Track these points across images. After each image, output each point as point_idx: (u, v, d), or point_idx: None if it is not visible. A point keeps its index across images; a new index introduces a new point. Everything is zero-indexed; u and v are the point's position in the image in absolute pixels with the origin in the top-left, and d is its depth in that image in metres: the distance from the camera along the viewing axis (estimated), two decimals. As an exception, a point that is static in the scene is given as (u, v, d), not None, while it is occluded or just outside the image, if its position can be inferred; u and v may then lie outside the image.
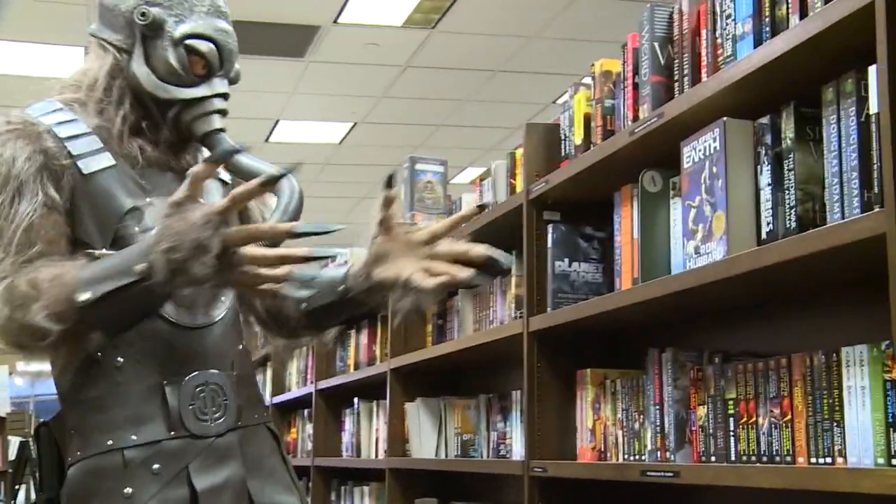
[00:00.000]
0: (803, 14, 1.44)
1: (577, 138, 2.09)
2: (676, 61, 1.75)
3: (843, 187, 1.33)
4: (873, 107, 1.28)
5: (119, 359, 1.34)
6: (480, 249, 1.38)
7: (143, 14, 1.41)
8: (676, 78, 1.75)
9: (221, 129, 1.44)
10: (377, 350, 3.47)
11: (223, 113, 1.46)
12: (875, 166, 1.28)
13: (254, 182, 1.21)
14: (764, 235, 1.49)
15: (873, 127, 1.28)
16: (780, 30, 1.48)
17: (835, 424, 1.40)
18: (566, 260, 2.12)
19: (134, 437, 1.34)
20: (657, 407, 1.80)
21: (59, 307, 1.23)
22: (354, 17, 5.27)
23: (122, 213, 1.37)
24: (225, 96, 1.46)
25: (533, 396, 2.14)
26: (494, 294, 2.58)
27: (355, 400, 3.67)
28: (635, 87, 1.88)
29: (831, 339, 1.50)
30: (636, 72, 1.88)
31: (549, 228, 2.15)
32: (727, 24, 1.61)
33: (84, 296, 1.22)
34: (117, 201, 1.38)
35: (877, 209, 1.24)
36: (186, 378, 1.37)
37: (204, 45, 1.43)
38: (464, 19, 5.19)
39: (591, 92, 2.07)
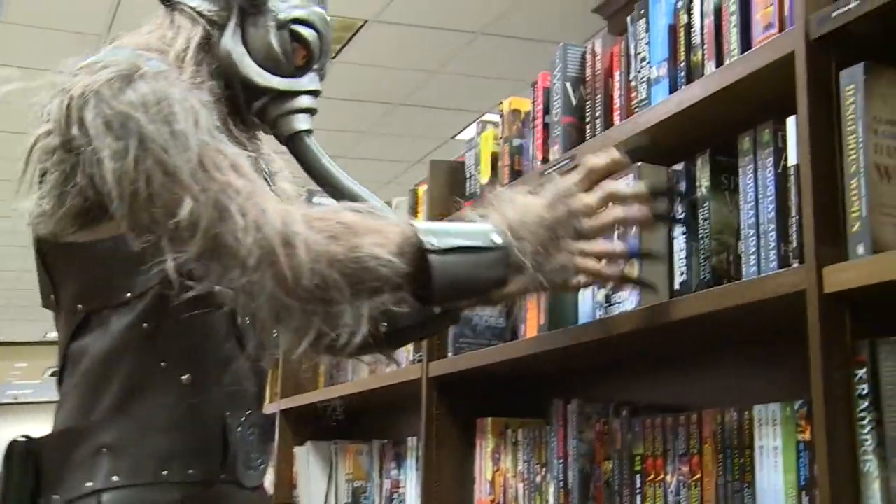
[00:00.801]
0: (719, 61, 1.41)
1: (484, 177, 2.03)
2: (588, 103, 1.70)
3: (760, 239, 1.29)
4: (792, 158, 1.24)
5: (186, 375, 1.15)
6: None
7: None
8: (588, 120, 1.70)
9: (310, 131, 1.31)
10: (266, 390, 3.32)
11: (313, 112, 1.31)
12: (793, 219, 1.24)
13: (614, 153, 1.24)
14: (677, 286, 1.43)
15: (791, 179, 1.25)
16: (696, 76, 1.45)
17: (745, 486, 1.34)
18: (468, 303, 2.04)
19: (191, 472, 1.15)
20: (561, 461, 1.72)
21: (401, 248, 1.06)
22: (253, 43, 5.13)
23: None
24: (317, 94, 1.31)
25: (431, 444, 2.04)
26: (392, 335, 2.47)
27: (241, 441, 3.49)
28: (545, 127, 1.82)
29: (744, 396, 1.46)
30: (546, 111, 1.83)
31: (452, 270, 2.06)
32: (641, 67, 1.57)
33: (431, 241, 1.07)
34: None
35: (795, 264, 1.20)
36: (246, 415, 1.20)
37: (310, 33, 1.28)
38: (364, 52, 5.11)
39: (499, 130, 2.00)
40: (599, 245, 1.25)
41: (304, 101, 1.29)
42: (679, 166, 1.47)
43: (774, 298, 1.19)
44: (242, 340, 1.22)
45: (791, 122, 1.24)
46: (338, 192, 1.29)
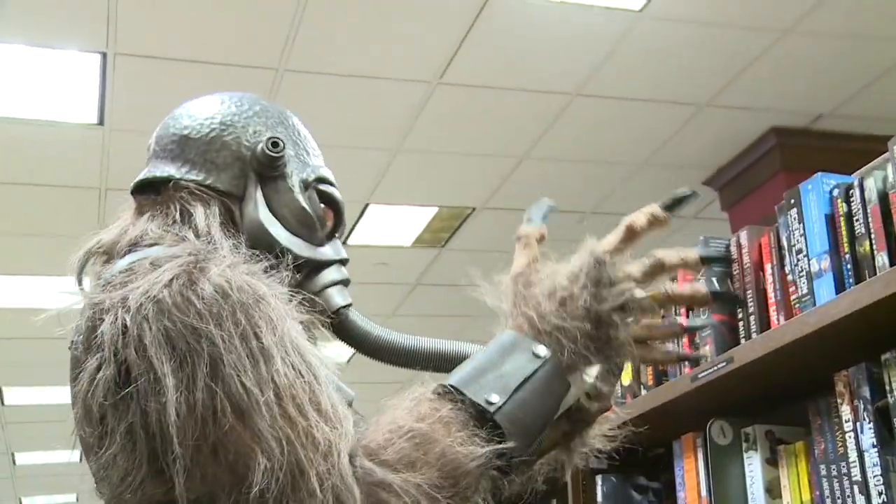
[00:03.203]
0: (892, 251, 1.29)
1: (624, 379, 1.90)
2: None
3: (978, 456, 1.12)
4: None
5: None
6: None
7: (274, 144, 1.10)
8: (741, 317, 1.57)
9: (349, 304, 1.12)
10: None
11: (347, 284, 1.14)
12: None
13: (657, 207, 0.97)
14: (876, 507, 1.26)
15: None
16: (866, 267, 1.32)
17: None
18: (618, 514, 1.87)
19: None
20: None
21: (473, 433, 0.86)
22: (363, 240, 5.23)
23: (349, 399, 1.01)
24: (346, 262, 1.15)
25: None
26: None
27: None
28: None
29: None
30: (690, 308, 1.71)
31: (598, 480, 1.90)
32: (798, 260, 1.45)
33: (494, 397, 0.88)
34: (336, 382, 1.00)
35: None
36: None
37: (336, 193, 1.14)
38: (473, 237, 5.15)
39: (638, 328, 1.89)
40: (653, 330, 0.97)
41: (337, 272, 1.12)
42: (857, 368, 1.32)
43: None
44: None
45: None
46: (396, 354, 1.10)
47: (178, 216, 1.05)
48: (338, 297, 1.10)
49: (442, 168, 4.41)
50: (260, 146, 1.10)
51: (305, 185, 1.12)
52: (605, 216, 4.91)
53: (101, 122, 3.78)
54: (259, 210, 1.08)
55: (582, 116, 4.01)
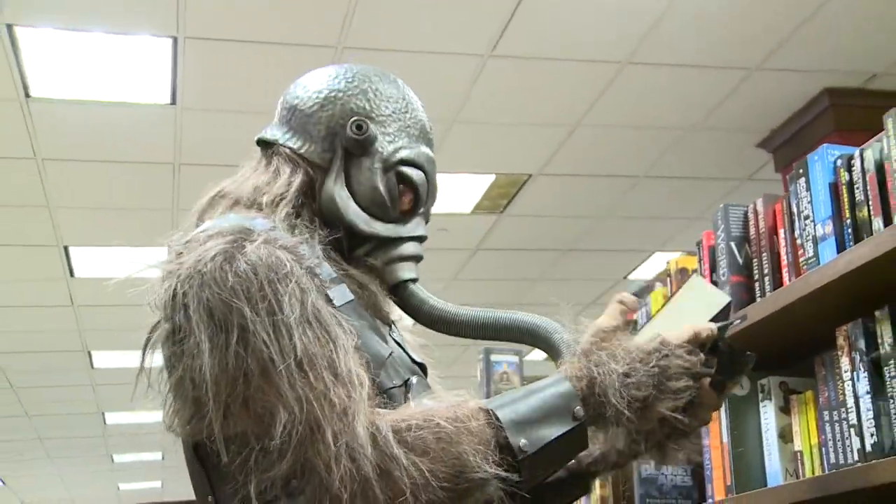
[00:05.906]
0: (887, 217, 1.40)
1: (656, 336, 2.04)
2: (756, 261, 1.71)
3: (953, 400, 1.25)
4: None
5: None
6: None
7: (358, 127, 1.19)
8: (757, 278, 1.70)
9: (415, 279, 1.22)
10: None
11: (419, 260, 1.23)
12: None
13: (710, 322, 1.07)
14: (868, 448, 1.39)
15: (978, 337, 1.21)
16: (864, 232, 1.44)
17: None
18: (652, 462, 2.02)
19: None
20: None
21: (491, 453, 0.96)
22: (424, 205, 5.39)
23: (381, 362, 1.09)
24: (423, 240, 1.24)
25: None
26: (577, 495, 2.45)
27: None
28: (714, 285, 1.83)
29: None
30: (713, 270, 1.84)
31: (633, 430, 2.06)
32: (806, 226, 1.57)
33: (521, 442, 0.98)
34: (375, 347, 1.10)
35: None
36: None
37: (417, 175, 1.22)
38: (532, 203, 5.27)
39: (668, 289, 2.03)
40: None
41: (409, 248, 1.21)
42: (855, 324, 1.45)
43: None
44: None
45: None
46: (453, 326, 1.21)
47: (272, 175, 1.19)
48: (401, 271, 1.20)
49: (498, 137, 4.53)
50: (349, 126, 1.20)
51: (386, 167, 1.20)
52: (658, 179, 4.99)
53: (173, 102, 4.01)
54: (335, 184, 1.18)
55: (633, 84, 4.09)
